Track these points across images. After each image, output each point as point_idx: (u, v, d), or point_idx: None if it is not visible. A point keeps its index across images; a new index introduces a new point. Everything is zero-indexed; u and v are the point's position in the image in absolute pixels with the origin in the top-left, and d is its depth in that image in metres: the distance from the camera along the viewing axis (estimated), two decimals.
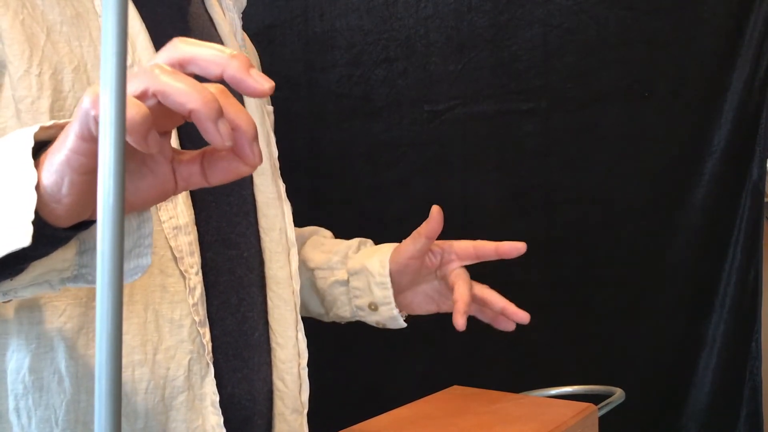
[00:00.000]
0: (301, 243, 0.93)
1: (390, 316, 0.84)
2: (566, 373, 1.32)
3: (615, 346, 1.35)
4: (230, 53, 0.39)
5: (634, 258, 1.34)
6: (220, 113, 0.38)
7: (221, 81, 0.40)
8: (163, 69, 0.38)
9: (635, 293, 1.34)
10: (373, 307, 0.84)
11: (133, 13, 0.63)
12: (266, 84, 0.39)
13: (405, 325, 0.86)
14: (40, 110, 0.56)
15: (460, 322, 0.76)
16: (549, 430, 0.68)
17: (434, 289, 0.86)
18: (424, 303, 0.86)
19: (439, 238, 1.39)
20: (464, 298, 0.78)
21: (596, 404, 0.79)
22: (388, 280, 0.83)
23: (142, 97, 0.37)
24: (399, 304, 0.85)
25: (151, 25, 0.64)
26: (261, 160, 0.42)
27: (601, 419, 0.79)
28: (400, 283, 0.84)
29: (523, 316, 0.81)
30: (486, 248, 0.79)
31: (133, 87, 0.37)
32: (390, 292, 0.83)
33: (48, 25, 0.58)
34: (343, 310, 0.88)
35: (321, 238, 0.94)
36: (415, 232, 0.82)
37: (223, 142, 0.38)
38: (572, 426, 0.71)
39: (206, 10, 0.75)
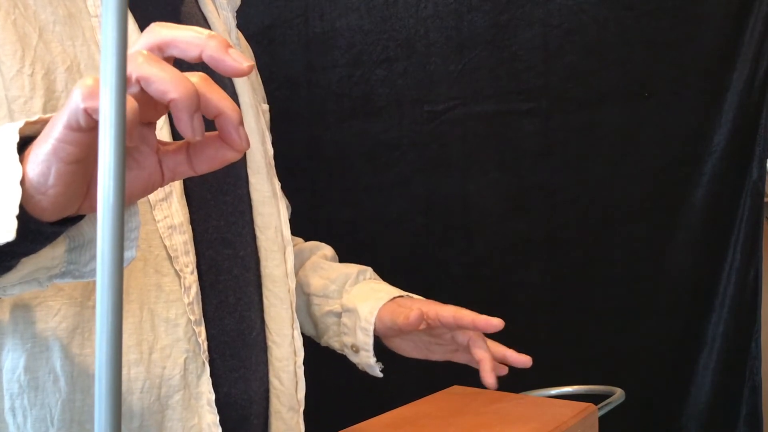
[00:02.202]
0: (301, 262, 0.94)
1: (367, 363, 0.86)
2: (566, 373, 1.32)
3: (615, 346, 1.35)
4: (208, 34, 0.40)
5: (634, 258, 1.33)
6: (197, 107, 0.38)
7: (201, 64, 0.40)
8: (146, 57, 0.38)
9: (635, 293, 1.34)
10: (355, 349, 0.86)
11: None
12: (245, 63, 0.40)
13: (381, 375, 0.87)
14: (33, 110, 0.56)
15: (489, 381, 0.80)
16: (549, 430, 0.68)
17: (423, 341, 0.87)
18: (412, 350, 0.87)
19: (440, 238, 1.40)
20: (488, 356, 0.81)
21: (596, 404, 0.79)
22: (371, 328, 0.84)
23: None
24: (389, 345, 0.87)
25: (145, 25, 0.63)
26: (248, 145, 0.42)
27: (601, 419, 0.79)
28: (387, 335, 0.86)
29: (525, 360, 0.82)
30: (464, 319, 0.79)
31: None
32: (370, 341, 0.84)
33: (40, 24, 0.58)
34: (333, 341, 0.89)
35: (321, 260, 0.94)
36: (395, 316, 0.82)
37: (193, 135, 0.38)
38: (572, 426, 0.71)
39: (200, 9, 0.75)
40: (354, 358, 0.87)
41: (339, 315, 0.87)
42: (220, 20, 0.76)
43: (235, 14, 0.79)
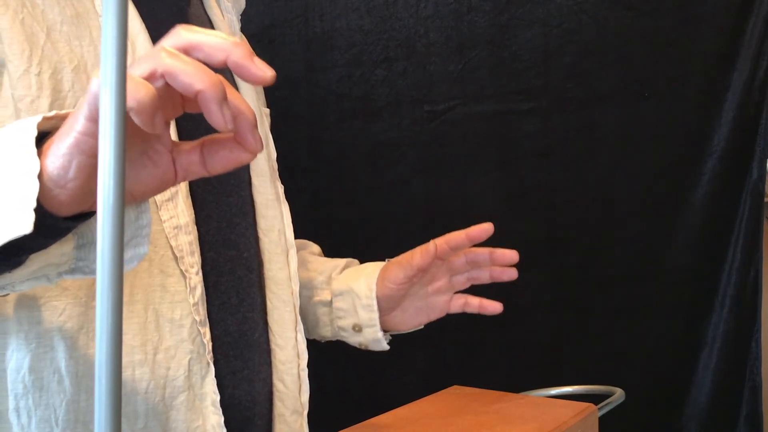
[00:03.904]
0: None
1: (374, 338, 0.84)
2: (566, 373, 1.32)
3: (615, 346, 1.35)
4: (234, 40, 0.40)
5: (634, 258, 1.34)
6: (225, 96, 0.38)
7: (223, 68, 0.40)
8: (169, 52, 0.38)
9: (635, 293, 1.34)
10: (357, 328, 0.84)
11: (132, 13, 0.63)
12: (268, 72, 0.40)
13: (388, 347, 0.85)
14: (40, 109, 0.56)
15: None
16: (549, 430, 0.68)
17: (422, 299, 0.85)
18: (413, 317, 0.85)
19: (438, 237, 1.40)
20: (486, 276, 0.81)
21: (596, 404, 0.79)
22: (374, 302, 0.82)
23: (150, 78, 0.38)
24: (386, 325, 0.85)
25: (151, 25, 0.64)
26: (262, 147, 0.42)
27: (601, 419, 0.79)
28: (387, 307, 0.84)
29: (512, 255, 0.80)
30: (457, 238, 0.78)
31: (140, 69, 0.38)
32: (376, 315, 0.82)
33: (48, 24, 0.58)
34: (325, 330, 0.87)
35: (308, 254, 0.93)
36: (405, 261, 0.80)
37: (225, 124, 0.39)
38: (572, 426, 0.71)
39: (205, 12, 0.75)
40: (356, 339, 0.85)
41: (329, 303, 0.86)
42: (225, 22, 0.76)
43: (240, 17, 0.79)
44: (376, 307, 0.82)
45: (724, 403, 1.33)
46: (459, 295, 0.84)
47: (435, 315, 0.84)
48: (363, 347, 0.86)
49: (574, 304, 1.35)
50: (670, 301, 1.34)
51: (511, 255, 0.80)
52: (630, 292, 1.34)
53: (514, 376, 1.29)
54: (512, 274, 0.81)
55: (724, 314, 1.32)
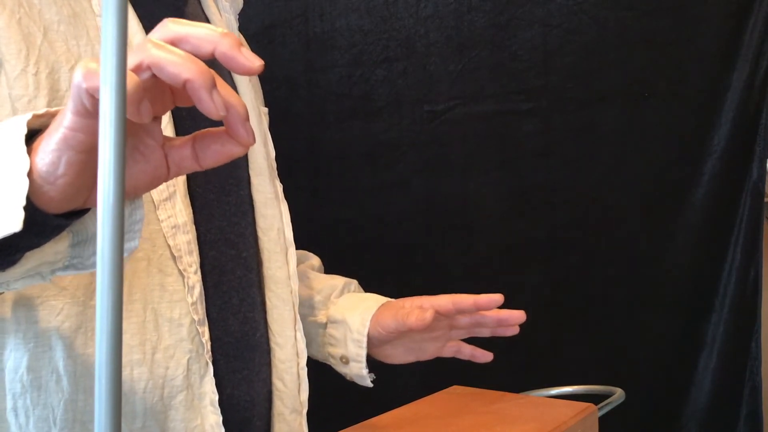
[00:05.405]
0: None
1: (358, 374, 0.84)
2: (566, 373, 1.32)
3: (615, 346, 1.35)
4: (222, 32, 0.40)
5: (634, 258, 1.34)
6: (214, 83, 0.38)
7: (212, 60, 0.40)
8: (156, 43, 0.38)
9: (635, 293, 1.34)
10: (345, 360, 0.84)
11: (130, 13, 0.63)
12: (256, 62, 0.40)
13: (371, 385, 0.85)
14: (37, 109, 0.55)
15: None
16: (549, 430, 0.68)
17: (415, 342, 0.85)
18: (403, 355, 0.86)
19: (440, 238, 1.40)
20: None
21: (596, 404, 0.79)
22: (364, 339, 0.82)
23: (136, 70, 0.38)
24: (375, 355, 0.85)
25: (148, 26, 0.64)
26: (254, 140, 0.42)
27: (601, 419, 0.79)
28: (376, 344, 0.84)
29: (518, 316, 0.80)
30: (465, 302, 0.78)
31: (128, 62, 0.37)
32: (363, 352, 0.82)
33: (45, 24, 0.58)
34: (316, 351, 0.87)
35: (307, 269, 0.92)
36: (401, 316, 0.79)
37: (217, 111, 0.38)
38: (572, 426, 0.71)
39: (203, 11, 0.75)
40: (342, 369, 0.85)
41: (324, 326, 0.86)
42: (222, 22, 0.76)
43: (237, 17, 0.79)
44: (365, 345, 0.82)
45: (724, 403, 1.33)
46: (452, 341, 0.84)
47: (425, 357, 0.85)
48: (348, 378, 0.86)
49: (574, 304, 1.35)
50: (670, 301, 1.34)
51: (518, 316, 0.80)
52: (630, 291, 1.34)
53: (514, 376, 1.29)
54: (514, 330, 0.82)
55: (724, 314, 1.32)
